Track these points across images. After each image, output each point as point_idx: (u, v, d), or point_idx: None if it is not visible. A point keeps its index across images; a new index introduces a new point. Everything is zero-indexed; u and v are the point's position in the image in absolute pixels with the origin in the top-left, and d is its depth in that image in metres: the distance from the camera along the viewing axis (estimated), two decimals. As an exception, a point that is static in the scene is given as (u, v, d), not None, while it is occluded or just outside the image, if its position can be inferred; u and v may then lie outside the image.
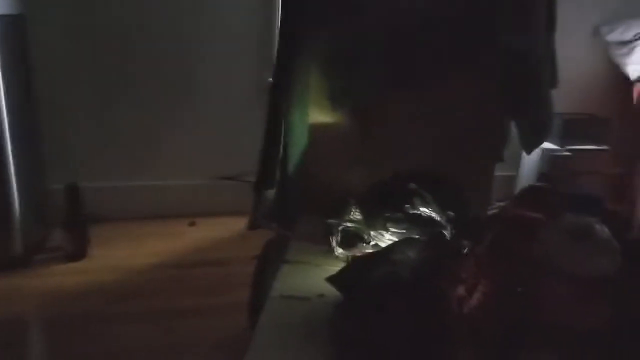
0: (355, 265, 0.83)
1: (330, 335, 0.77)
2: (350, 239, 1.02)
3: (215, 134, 2.47)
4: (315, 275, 1.00)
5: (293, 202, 1.24)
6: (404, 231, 0.99)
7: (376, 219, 1.01)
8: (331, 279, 0.82)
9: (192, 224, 2.43)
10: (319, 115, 1.23)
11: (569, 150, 2.47)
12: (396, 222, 0.99)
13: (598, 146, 2.52)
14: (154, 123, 2.42)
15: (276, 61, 1.24)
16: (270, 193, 1.27)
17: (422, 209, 0.97)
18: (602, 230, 0.62)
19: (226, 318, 1.66)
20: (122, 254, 2.10)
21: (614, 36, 2.56)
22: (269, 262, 1.29)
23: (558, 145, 2.44)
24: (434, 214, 0.96)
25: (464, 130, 1.15)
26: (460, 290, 0.59)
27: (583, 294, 0.60)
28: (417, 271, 0.68)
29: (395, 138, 1.18)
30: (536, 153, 2.43)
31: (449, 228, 0.93)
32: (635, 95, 2.55)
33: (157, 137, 2.44)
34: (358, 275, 0.77)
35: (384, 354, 0.64)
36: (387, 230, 1.00)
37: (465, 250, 0.68)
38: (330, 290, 0.89)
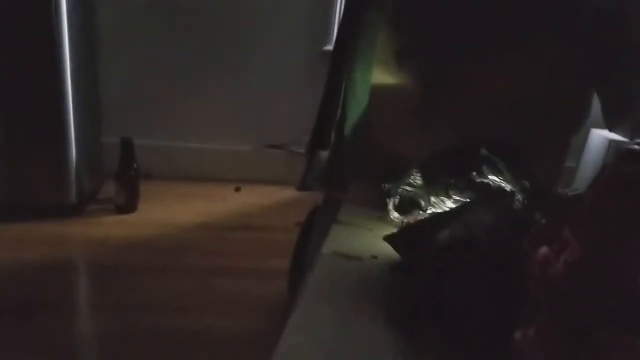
0: (420, 224, 0.77)
1: (390, 298, 0.71)
2: (407, 204, 0.96)
3: (265, 103, 2.45)
4: (367, 237, 0.95)
5: (347, 164, 1.18)
6: (468, 200, 0.92)
7: (438, 185, 0.95)
8: (390, 238, 0.76)
9: (237, 189, 2.44)
10: (383, 74, 1.16)
11: (638, 143, 2.31)
12: (460, 190, 0.92)
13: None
14: (207, 87, 2.42)
15: (343, 14, 1.18)
16: (324, 154, 1.22)
17: (491, 177, 0.90)
18: None
19: (262, 282, 1.65)
20: (169, 211, 2.13)
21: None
22: (314, 228, 1.25)
23: (628, 137, 2.28)
24: (504, 184, 0.89)
25: (541, 98, 1.06)
26: (545, 251, 0.52)
27: None
28: (494, 233, 0.61)
29: (464, 103, 1.10)
30: (602, 143, 2.28)
31: (522, 199, 0.85)
32: None
33: (209, 101, 2.45)
34: (424, 235, 0.71)
35: (452, 319, 0.58)
36: (449, 197, 0.93)
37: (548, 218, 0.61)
38: (384, 253, 0.84)
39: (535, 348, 0.54)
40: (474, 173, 0.92)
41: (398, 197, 0.96)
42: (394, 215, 0.96)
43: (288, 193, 2.37)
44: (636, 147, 2.13)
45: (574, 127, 1.17)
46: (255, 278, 1.68)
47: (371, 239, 0.94)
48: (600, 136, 2.32)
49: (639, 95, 1.06)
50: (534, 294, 0.54)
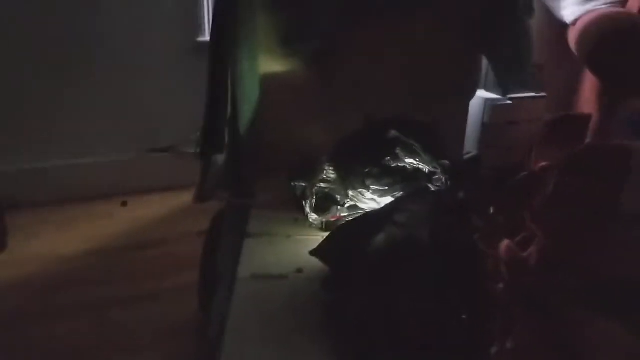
0: (348, 231, 0.69)
1: (329, 320, 0.62)
2: (324, 202, 0.88)
3: (141, 105, 2.22)
4: (287, 247, 0.85)
5: (248, 165, 1.06)
6: (387, 188, 0.85)
7: (354, 176, 0.87)
8: (318, 252, 0.67)
9: (124, 204, 2.21)
10: (272, 62, 1.06)
11: (510, 99, 2.46)
12: (377, 178, 0.85)
13: (536, 93, 2.53)
14: (71, 95, 2.13)
15: (215, 1, 1.04)
16: (220, 158, 1.09)
17: (407, 160, 0.84)
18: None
19: (167, 305, 1.50)
20: (47, 242, 1.86)
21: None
22: (218, 238, 1.13)
23: (499, 95, 2.42)
24: (422, 165, 0.83)
25: (434, 68, 1.02)
26: (508, 247, 0.46)
27: None
28: (436, 228, 0.54)
29: (361, 82, 1.03)
30: (478, 104, 2.40)
31: (445, 180, 0.80)
32: (570, 38, 2.55)
33: (76, 110, 2.16)
34: (355, 243, 0.62)
35: (406, 336, 0.51)
36: (367, 188, 0.86)
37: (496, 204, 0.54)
38: (310, 264, 0.75)
39: None
40: (389, 158, 0.86)
41: (314, 196, 0.87)
42: (313, 217, 0.87)
43: (182, 199, 2.18)
44: (509, 102, 2.25)
45: (469, 92, 1.16)
46: (157, 302, 1.52)
47: (292, 248, 0.84)
48: (475, 97, 2.42)
49: (528, 57, 1.06)
50: (504, 299, 0.48)
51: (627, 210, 0.44)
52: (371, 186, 0.85)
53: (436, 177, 0.81)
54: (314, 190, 0.86)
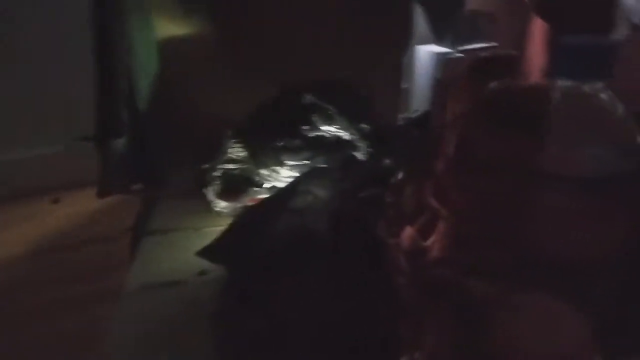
0: (239, 224, 0.56)
1: (226, 338, 0.50)
2: (234, 185, 0.74)
3: (66, 92, 2.01)
4: (193, 244, 0.71)
5: (154, 149, 0.92)
6: (307, 162, 0.72)
7: (267, 152, 0.73)
8: (206, 253, 0.54)
9: (55, 201, 2.02)
10: (169, 26, 0.90)
11: (461, 52, 2.36)
12: (294, 152, 0.72)
13: (487, 44, 2.43)
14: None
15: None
16: (121, 144, 0.94)
17: (325, 127, 0.71)
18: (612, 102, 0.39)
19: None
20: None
21: None
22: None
23: (450, 47, 2.31)
24: (342, 132, 0.70)
25: (356, 20, 0.88)
26: (410, 235, 0.34)
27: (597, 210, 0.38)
28: (336, 217, 0.42)
29: (272, 42, 0.88)
30: (429, 59, 2.29)
31: (365, 147, 0.67)
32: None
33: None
34: (249, 238, 0.49)
35: (295, 349, 0.39)
36: (282, 165, 0.73)
37: (404, 175, 0.42)
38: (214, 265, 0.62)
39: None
40: (306, 127, 0.72)
41: (218, 180, 0.73)
42: (220, 205, 0.73)
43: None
44: (459, 54, 2.15)
45: (402, 46, 1.03)
46: (104, 304, 1.37)
47: (199, 245, 0.71)
48: (426, 52, 2.31)
49: (460, 5, 0.94)
50: (410, 300, 0.36)
51: (548, 169, 0.32)
52: (287, 162, 0.72)
53: (358, 146, 0.68)
54: (215, 174, 0.73)
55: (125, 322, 0.56)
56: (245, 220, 0.56)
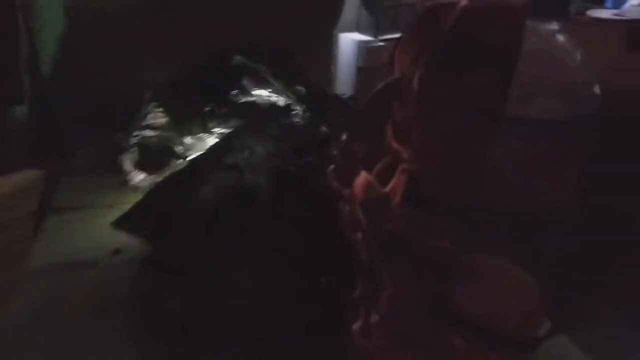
0: (162, 187, 0.49)
1: (134, 319, 0.43)
2: (153, 156, 0.66)
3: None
4: (104, 221, 0.62)
5: (59, 118, 0.81)
6: (232, 128, 0.65)
7: (191, 118, 0.66)
8: (122, 222, 0.46)
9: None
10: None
11: (382, 40, 2.38)
12: (222, 119, 0.65)
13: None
14: None
15: None
16: (21, 111, 0.82)
17: (257, 91, 0.65)
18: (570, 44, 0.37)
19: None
20: None
21: None
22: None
23: (372, 36, 2.33)
24: (275, 97, 0.65)
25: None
26: (365, 181, 0.29)
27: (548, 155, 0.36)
28: (278, 173, 0.37)
29: (199, 5, 0.80)
30: (351, 46, 2.29)
31: (301, 112, 0.62)
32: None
33: None
34: (172, 203, 0.43)
35: (243, 325, 0.33)
36: (208, 131, 0.66)
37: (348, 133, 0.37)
38: (131, 241, 0.54)
39: (380, 339, 0.33)
40: (235, 92, 0.66)
41: (136, 148, 0.65)
42: (138, 177, 0.65)
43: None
44: (381, 43, 2.14)
45: (331, 18, 0.99)
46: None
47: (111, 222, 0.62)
48: (348, 39, 2.31)
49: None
50: (364, 254, 0.31)
51: (507, 112, 0.29)
52: (214, 129, 0.65)
53: (295, 111, 0.63)
54: (132, 142, 0.64)
55: (20, 309, 0.47)
56: (169, 182, 0.49)
